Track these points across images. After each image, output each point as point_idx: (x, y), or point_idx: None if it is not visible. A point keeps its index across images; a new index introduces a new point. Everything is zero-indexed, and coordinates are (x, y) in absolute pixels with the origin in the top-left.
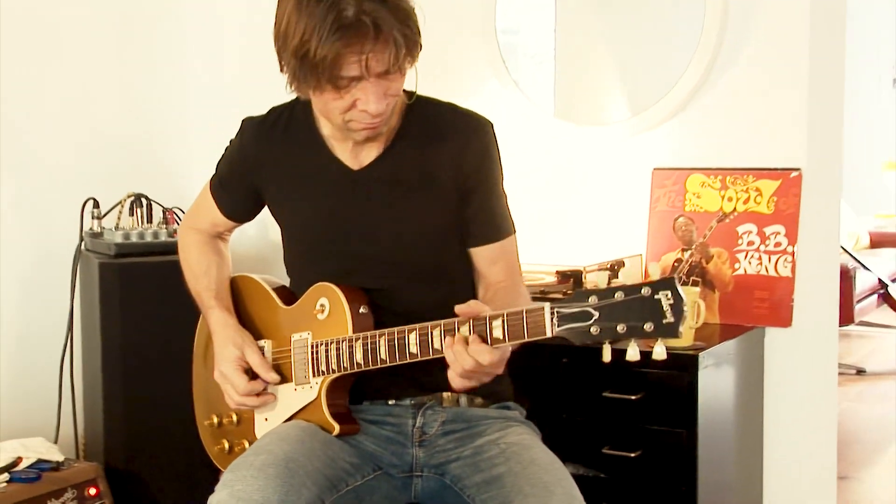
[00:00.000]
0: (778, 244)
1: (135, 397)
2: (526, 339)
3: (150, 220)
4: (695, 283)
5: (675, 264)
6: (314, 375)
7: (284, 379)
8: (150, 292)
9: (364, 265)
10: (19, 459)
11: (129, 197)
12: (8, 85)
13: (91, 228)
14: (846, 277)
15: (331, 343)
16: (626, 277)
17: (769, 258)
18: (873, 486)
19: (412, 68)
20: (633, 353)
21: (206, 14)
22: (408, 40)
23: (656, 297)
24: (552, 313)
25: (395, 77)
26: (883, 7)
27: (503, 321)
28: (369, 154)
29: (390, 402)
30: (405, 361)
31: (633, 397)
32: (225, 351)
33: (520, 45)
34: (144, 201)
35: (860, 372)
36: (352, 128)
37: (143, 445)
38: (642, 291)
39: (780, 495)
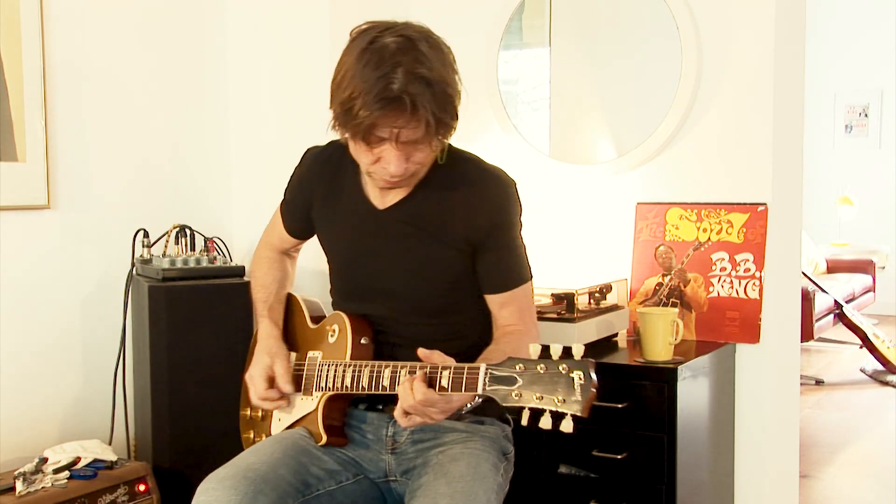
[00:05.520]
0: (747, 270)
1: (179, 404)
2: (463, 392)
3: (192, 249)
4: (674, 305)
5: (657, 288)
6: (316, 390)
7: (299, 388)
8: (193, 312)
9: (377, 295)
10: (78, 459)
11: (174, 228)
12: (69, 131)
13: (141, 255)
14: (806, 299)
15: (332, 365)
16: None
17: (739, 282)
18: (831, 483)
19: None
20: (545, 423)
21: (247, 61)
22: (440, 123)
23: (571, 375)
24: (486, 373)
25: (421, 148)
26: (840, 64)
27: (450, 373)
28: (395, 196)
29: (360, 407)
30: (380, 392)
31: (620, 405)
32: (259, 358)
33: (519, 94)
34: (188, 231)
35: (819, 382)
36: (373, 178)
37: (186, 447)
38: (560, 368)
39: (750, 492)
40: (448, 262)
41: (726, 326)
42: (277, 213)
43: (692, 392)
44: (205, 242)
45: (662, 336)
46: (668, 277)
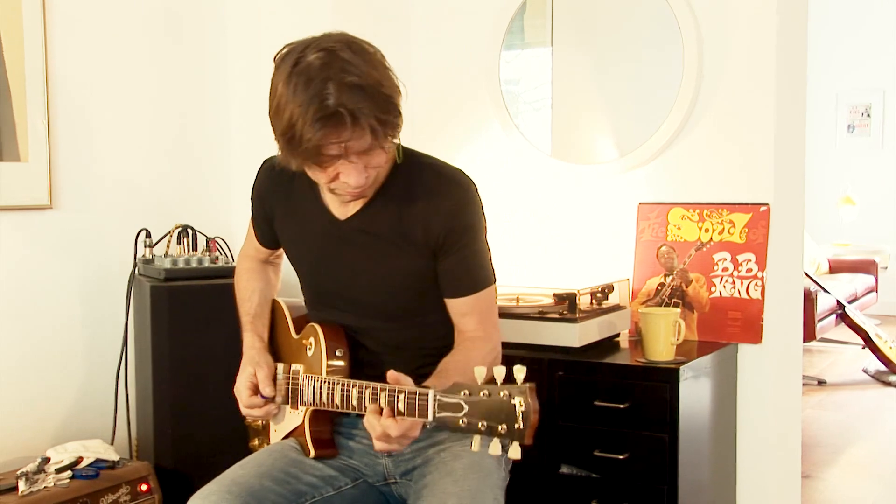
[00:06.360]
0: (749, 270)
1: (181, 404)
2: (416, 418)
3: (195, 249)
4: (676, 305)
5: (659, 288)
6: (301, 404)
7: (288, 400)
8: (195, 312)
9: (346, 304)
10: (80, 459)
11: (176, 228)
12: (71, 131)
13: (144, 255)
14: (809, 299)
15: (311, 380)
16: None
17: (741, 282)
18: (833, 483)
19: (394, 141)
20: (494, 448)
21: (248, 61)
22: (385, 125)
23: (512, 401)
24: (435, 400)
25: (375, 153)
26: (842, 63)
27: (405, 397)
28: (354, 206)
29: (350, 414)
30: (351, 411)
31: (622, 406)
32: (243, 369)
33: (520, 94)
34: (190, 231)
35: (821, 383)
36: (337, 193)
37: (188, 446)
38: (501, 394)
39: (752, 492)
40: (411, 269)
41: (728, 327)
42: (251, 224)
43: (694, 392)
44: (207, 242)
45: (664, 336)
46: (670, 277)
